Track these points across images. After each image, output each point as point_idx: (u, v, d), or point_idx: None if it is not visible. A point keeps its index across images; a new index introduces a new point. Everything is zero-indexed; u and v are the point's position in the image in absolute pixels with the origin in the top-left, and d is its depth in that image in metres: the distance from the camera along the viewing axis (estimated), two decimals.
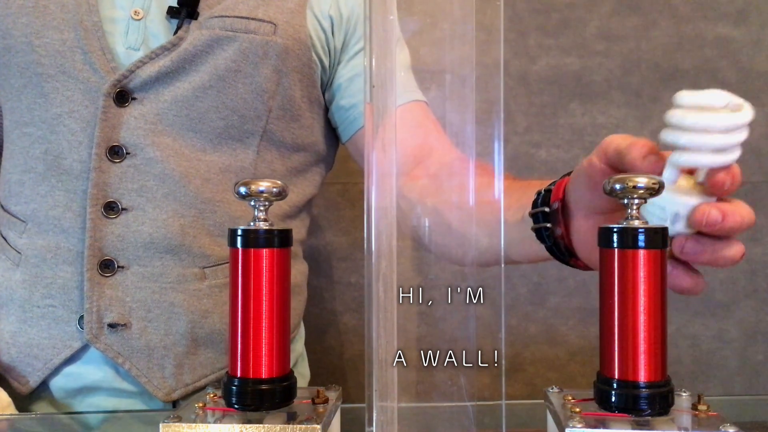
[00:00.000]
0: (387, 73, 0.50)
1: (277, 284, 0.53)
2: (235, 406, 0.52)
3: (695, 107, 0.45)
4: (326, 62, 0.83)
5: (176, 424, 0.50)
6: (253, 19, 0.76)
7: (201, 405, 0.53)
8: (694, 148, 0.45)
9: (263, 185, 0.53)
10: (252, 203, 0.54)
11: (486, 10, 0.52)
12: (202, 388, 0.79)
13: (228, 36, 0.75)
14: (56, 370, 0.76)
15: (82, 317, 0.74)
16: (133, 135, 0.74)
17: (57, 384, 0.77)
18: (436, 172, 0.78)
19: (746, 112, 0.45)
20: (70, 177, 0.75)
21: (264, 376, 0.52)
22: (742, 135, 0.46)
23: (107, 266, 0.74)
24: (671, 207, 0.47)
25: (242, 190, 0.53)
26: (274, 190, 0.54)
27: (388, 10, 0.50)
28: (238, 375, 0.52)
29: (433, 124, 0.78)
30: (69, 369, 0.76)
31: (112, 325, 0.74)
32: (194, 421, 0.50)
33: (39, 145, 0.76)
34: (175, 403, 0.78)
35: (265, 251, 0.52)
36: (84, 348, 0.75)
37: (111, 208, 0.74)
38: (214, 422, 0.50)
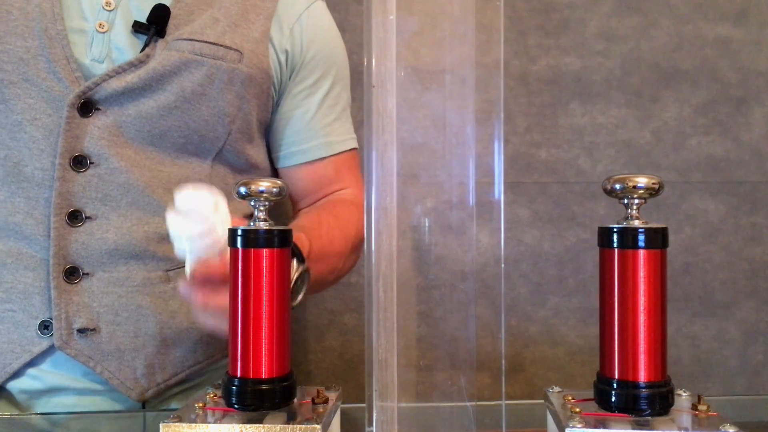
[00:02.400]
0: (387, 73, 0.50)
1: (277, 284, 0.53)
2: (235, 406, 0.52)
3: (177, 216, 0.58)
4: (277, 91, 0.86)
5: (176, 424, 0.50)
6: (221, 45, 0.78)
7: (201, 405, 0.53)
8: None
9: (263, 185, 0.53)
10: (252, 203, 0.54)
11: (486, 10, 0.52)
12: (174, 386, 0.80)
13: (197, 60, 0.76)
14: (16, 373, 0.76)
15: (42, 322, 0.75)
16: (97, 145, 0.74)
17: (18, 386, 0.77)
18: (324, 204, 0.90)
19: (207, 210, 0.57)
20: (32, 184, 0.75)
21: (264, 376, 0.52)
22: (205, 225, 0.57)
23: (72, 273, 0.75)
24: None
25: (242, 190, 0.53)
26: (274, 190, 0.54)
27: (388, 10, 0.50)
28: (238, 375, 0.52)
29: (358, 170, 0.92)
30: (33, 371, 0.76)
31: (81, 331, 0.74)
32: (194, 421, 0.50)
33: None
34: (145, 403, 0.78)
35: (265, 251, 0.52)
36: (49, 351, 0.75)
37: (75, 217, 0.75)
38: (214, 422, 0.50)
